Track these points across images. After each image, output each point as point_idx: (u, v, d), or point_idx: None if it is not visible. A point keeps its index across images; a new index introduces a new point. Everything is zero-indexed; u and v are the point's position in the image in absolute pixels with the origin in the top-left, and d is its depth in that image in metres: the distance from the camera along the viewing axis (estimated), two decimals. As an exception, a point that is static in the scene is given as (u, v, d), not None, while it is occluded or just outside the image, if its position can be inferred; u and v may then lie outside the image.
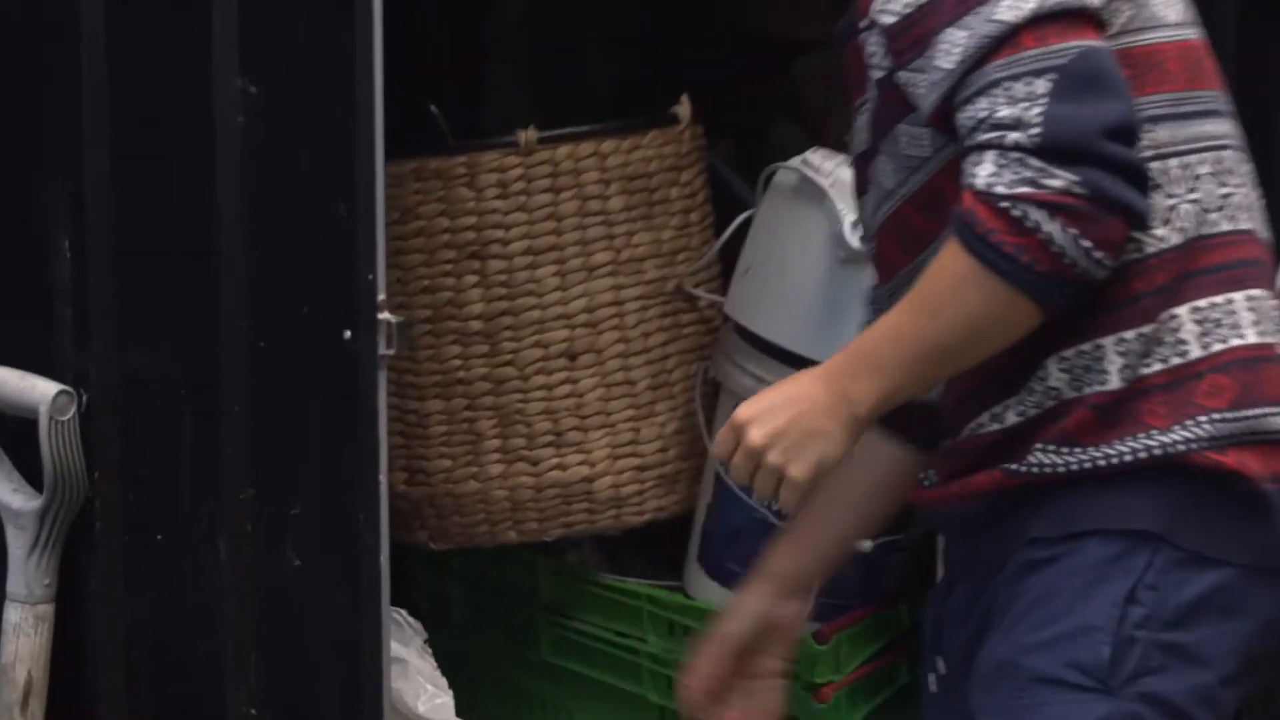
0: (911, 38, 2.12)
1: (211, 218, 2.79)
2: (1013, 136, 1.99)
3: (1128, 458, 2.10)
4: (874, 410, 2.12)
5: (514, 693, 3.72)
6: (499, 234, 3.43)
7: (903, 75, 2.15)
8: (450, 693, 3.33)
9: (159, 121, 2.85)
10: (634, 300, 3.50)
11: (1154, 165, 2.13)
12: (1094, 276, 2.03)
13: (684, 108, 3.56)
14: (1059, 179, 1.98)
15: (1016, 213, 1.99)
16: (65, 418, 2.85)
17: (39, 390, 2.86)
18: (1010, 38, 2.02)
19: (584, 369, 3.47)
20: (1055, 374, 2.13)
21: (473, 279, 3.44)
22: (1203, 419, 2.09)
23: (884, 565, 3.47)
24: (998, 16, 2.02)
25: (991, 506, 2.22)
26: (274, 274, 2.78)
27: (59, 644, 2.92)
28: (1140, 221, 2.06)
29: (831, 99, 3.86)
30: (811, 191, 3.38)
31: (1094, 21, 2.06)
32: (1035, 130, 1.98)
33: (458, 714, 3.34)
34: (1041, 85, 2.00)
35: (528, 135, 3.40)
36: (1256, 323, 2.16)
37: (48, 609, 2.91)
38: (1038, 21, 2.02)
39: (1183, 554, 2.10)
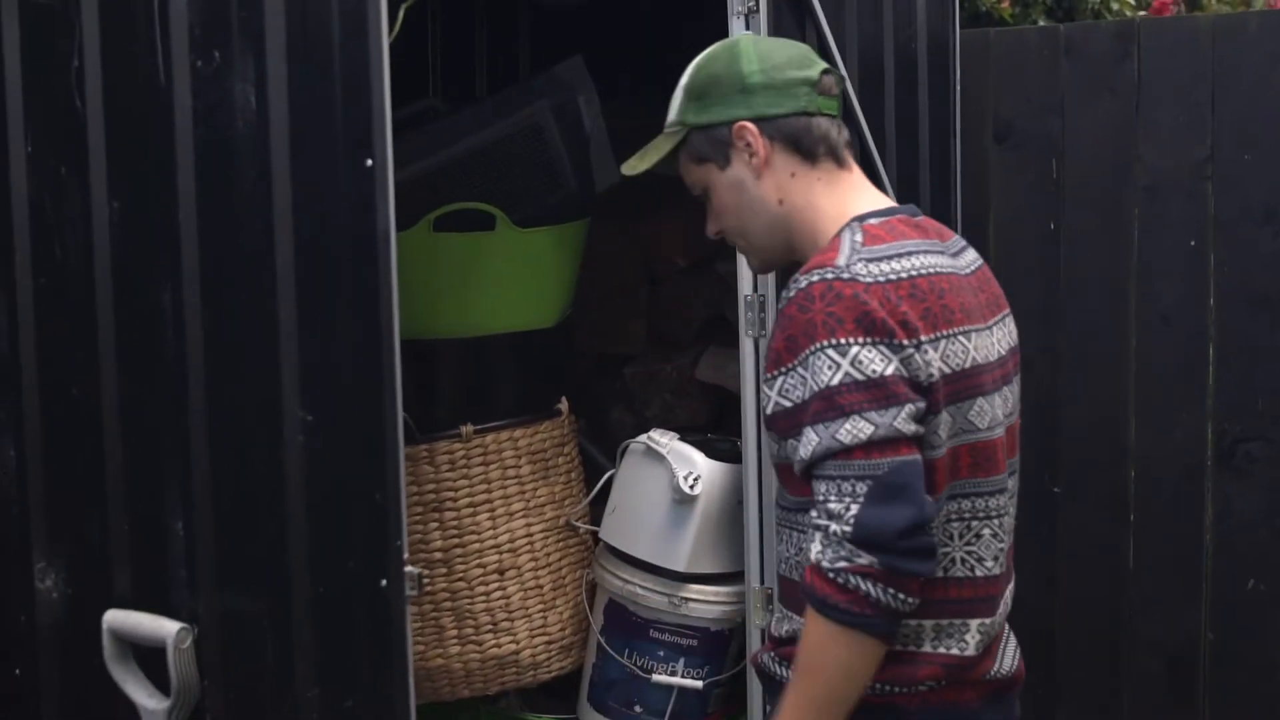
0: (786, 425, 2.00)
1: (284, 506, 2.61)
2: (834, 527, 1.89)
3: None
4: None
5: (469, 796, 3.52)
6: (450, 494, 3.29)
7: (784, 446, 2.04)
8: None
9: (245, 442, 2.65)
10: (539, 533, 3.38)
11: (954, 526, 2.04)
12: (905, 610, 1.92)
13: (564, 405, 3.48)
14: (864, 558, 1.87)
15: (840, 580, 1.88)
16: (184, 646, 2.66)
17: (165, 627, 2.67)
18: (846, 452, 1.90)
19: (509, 580, 3.33)
20: None
21: (434, 524, 3.29)
22: None
23: (710, 695, 3.37)
24: (838, 438, 1.91)
25: None
26: (329, 542, 2.60)
27: (182, 806, 2.70)
28: (928, 578, 1.94)
29: (649, 393, 3.79)
30: (655, 456, 3.28)
31: (909, 442, 1.93)
32: (848, 528, 1.88)
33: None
34: (860, 488, 1.88)
35: (466, 429, 3.29)
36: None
37: (174, 780, 2.69)
38: (866, 445, 1.90)
39: None
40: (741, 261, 3.10)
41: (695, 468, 3.23)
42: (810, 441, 1.92)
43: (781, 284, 3.05)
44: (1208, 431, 3.96)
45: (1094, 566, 4.08)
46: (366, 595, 2.55)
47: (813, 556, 1.89)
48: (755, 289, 3.11)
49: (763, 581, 3.12)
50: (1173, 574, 4.02)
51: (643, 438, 3.33)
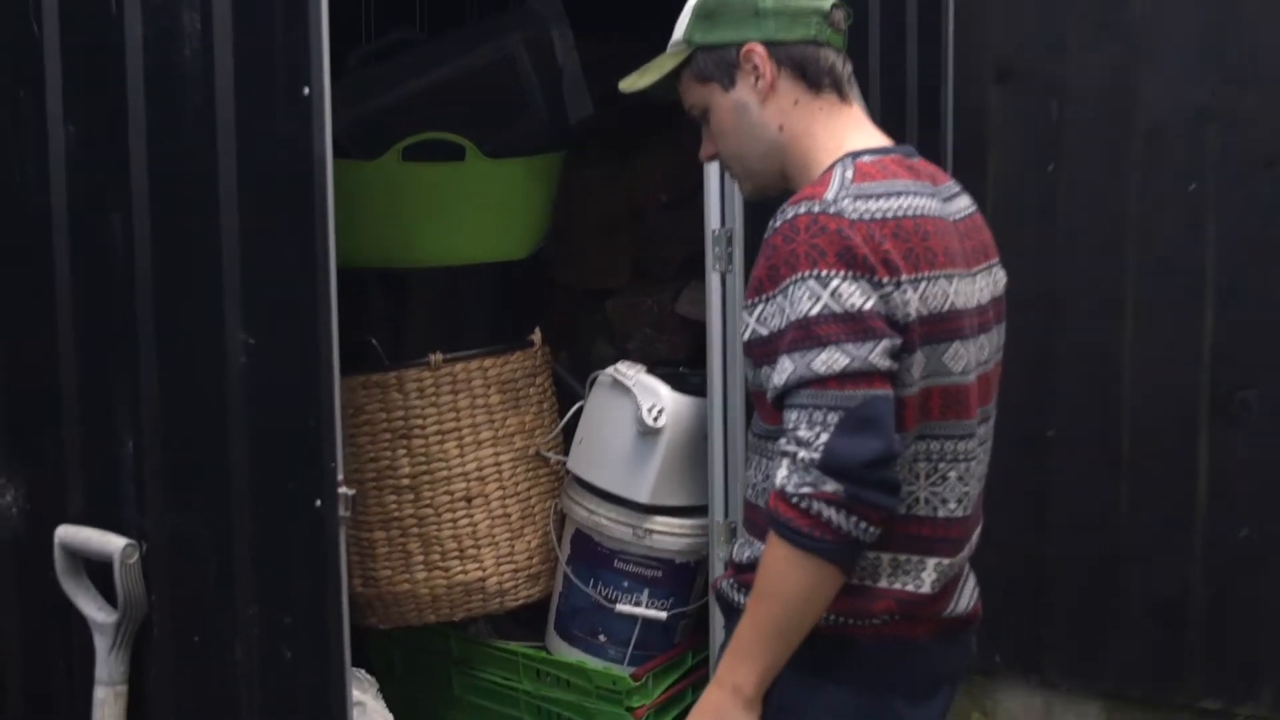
0: (762, 352, 2.01)
1: (225, 427, 2.65)
2: (803, 454, 1.89)
3: None
4: (759, 686, 1.98)
5: (437, 720, 3.60)
6: (419, 421, 3.34)
7: (759, 373, 2.04)
8: (394, 723, 3.24)
9: (191, 363, 2.70)
10: (508, 462, 3.42)
11: (920, 466, 2.04)
12: (866, 540, 1.92)
13: (536, 335, 3.51)
14: (830, 485, 1.88)
15: (804, 505, 1.88)
16: (131, 561, 2.73)
17: (113, 543, 2.74)
18: (820, 382, 1.91)
19: (477, 508, 3.38)
20: None
21: (402, 451, 3.34)
22: None
23: (675, 627, 3.40)
24: (813, 368, 1.91)
25: None
26: (268, 463, 2.65)
27: (130, 713, 2.79)
28: (890, 512, 1.94)
29: (629, 327, 3.81)
30: (621, 388, 3.30)
31: (882, 377, 1.92)
32: (816, 455, 1.88)
33: (399, 738, 3.24)
34: (832, 418, 1.89)
35: (436, 357, 3.33)
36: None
37: (123, 689, 2.78)
38: (840, 376, 1.90)
39: None
40: (711, 196, 3.11)
41: (660, 400, 3.25)
42: (785, 369, 1.92)
43: (751, 219, 3.07)
44: (1204, 379, 3.90)
45: (1085, 514, 4.04)
46: (302, 516, 2.58)
47: (778, 482, 1.91)
48: (722, 223, 3.11)
49: (726, 515, 3.14)
50: (1165, 523, 3.97)
51: (609, 369, 3.36)
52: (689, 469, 3.27)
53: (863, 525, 1.90)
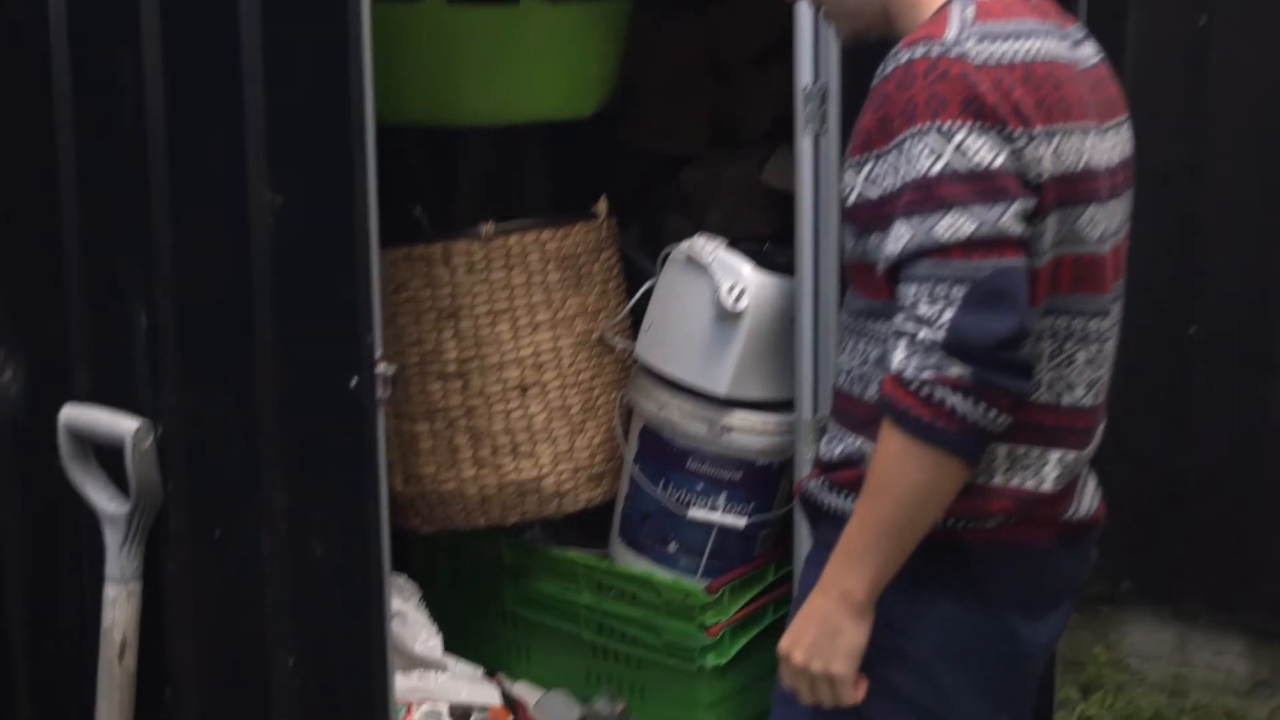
0: (871, 216, 1.98)
1: (250, 297, 2.68)
2: (923, 333, 1.85)
3: None
4: (871, 593, 1.95)
5: (487, 635, 3.64)
6: (467, 300, 3.34)
7: (863, 241, 2.01)
8: (439, 635, 3.28)
9: (210, 225, 2.74)
10: (568, 347, 3.42)
11: (1044, 345, 2.01)
12: (995, 430, 1.89)
13: (602, 205, 3.49)
14: (955, 368, 1.84)
15: (925, 392, 1.85)
16: (145, 445, 2.78)
17: (125, 425, 2.79)
18: (942, 251, 1.86)
19: (532, 398, 3.39)
20: None
21: (449, 333, 3.35)
22: None
23: (755, 537, 3.41)
24: (935, 235, 1.86)
25: None
26: (297, 337, 2.68)
27: (144, 612, 2.86)
28: (1022, 397, 1.91)
29: (708, 199, 3.79)
30: (697, 266, 3.30)
31: (1015, 244, 1.88)
32: (940, 335, 1.84)
33: (445, 652, 3.29)
34: (957, 291, 1.85)
35: (487, 228, 3.33)
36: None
37: (136, 586, 2.85)
38: (967, 244, 1.86)
39: None
40: (802, 47, 3.08)
41: (741, 279, 3.23)
42: (901, 236, 1.89)
43: (849, 74, 3.04)
44: (1375, 265, 3.86)
45: (1231, 423, 4.01)
46: (335, 396, 2.61)
47: (895, 365, 1.87)
48: (815, 79, 3.07)
49: (815, 411, 3.13)
50: (1323, 432, 3.95)
51: (684, 245, 3.33)
52: (773, 358, 3.25)
53: (992, 413, 1.87)
